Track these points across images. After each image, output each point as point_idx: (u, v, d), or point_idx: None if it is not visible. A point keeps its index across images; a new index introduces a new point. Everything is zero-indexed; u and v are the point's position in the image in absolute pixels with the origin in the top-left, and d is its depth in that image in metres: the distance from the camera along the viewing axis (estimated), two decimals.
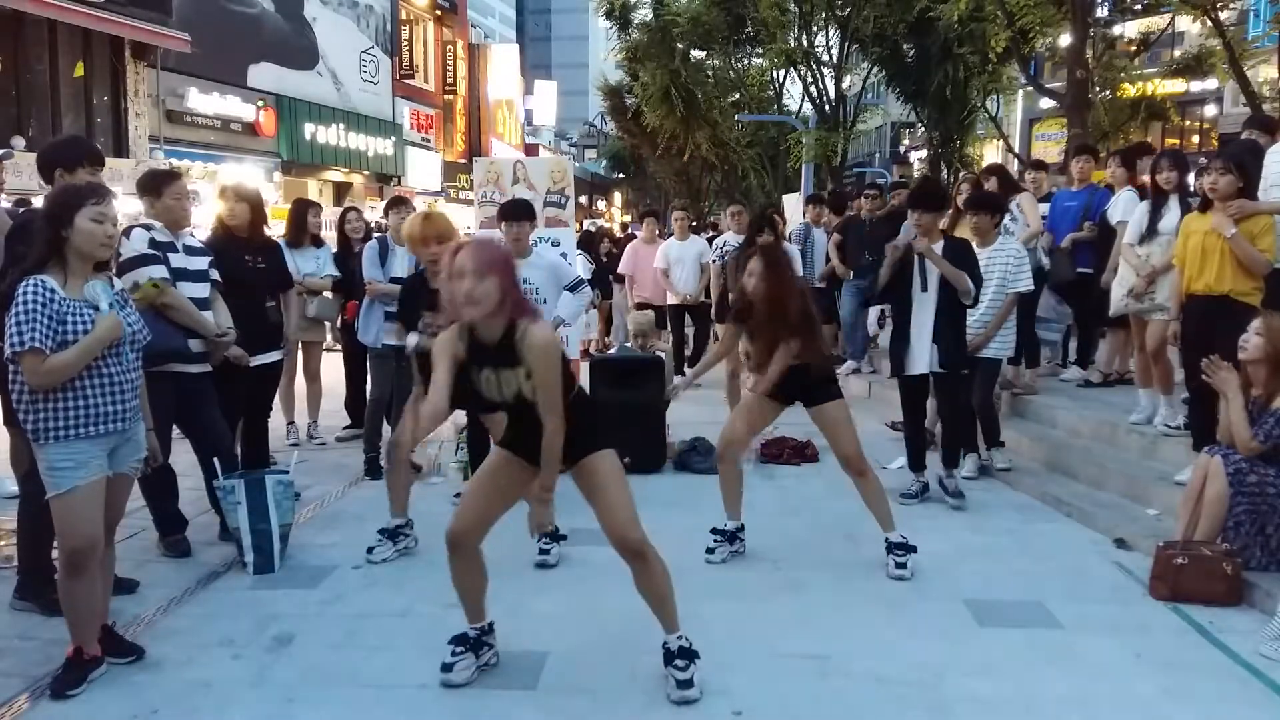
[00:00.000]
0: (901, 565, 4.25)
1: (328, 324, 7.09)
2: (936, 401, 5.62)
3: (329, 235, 7.64)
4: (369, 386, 6.26)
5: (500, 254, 2.96)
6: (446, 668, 3.23)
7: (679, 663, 3.14)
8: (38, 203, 5.94)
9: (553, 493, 3.10)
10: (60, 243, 3.08)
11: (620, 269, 10.23)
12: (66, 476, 3.06)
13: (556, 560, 4.37)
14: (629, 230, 17.45)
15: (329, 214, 13.78)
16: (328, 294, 6.77)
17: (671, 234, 9.61)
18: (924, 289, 5.12)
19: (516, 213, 5.15)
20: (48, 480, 3.09)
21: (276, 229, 7.15)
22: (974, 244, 5.62)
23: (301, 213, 6.75)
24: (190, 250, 4.46)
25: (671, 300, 9.20)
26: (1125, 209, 6.29)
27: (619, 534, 3.12)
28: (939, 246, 5.10)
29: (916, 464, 5.44)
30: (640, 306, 9.54)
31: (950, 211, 6.87)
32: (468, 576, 3.26)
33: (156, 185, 4.41)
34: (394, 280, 5.92)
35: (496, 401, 3.05)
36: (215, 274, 4.55)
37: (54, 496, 3.08)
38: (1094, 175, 7.32)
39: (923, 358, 5.17)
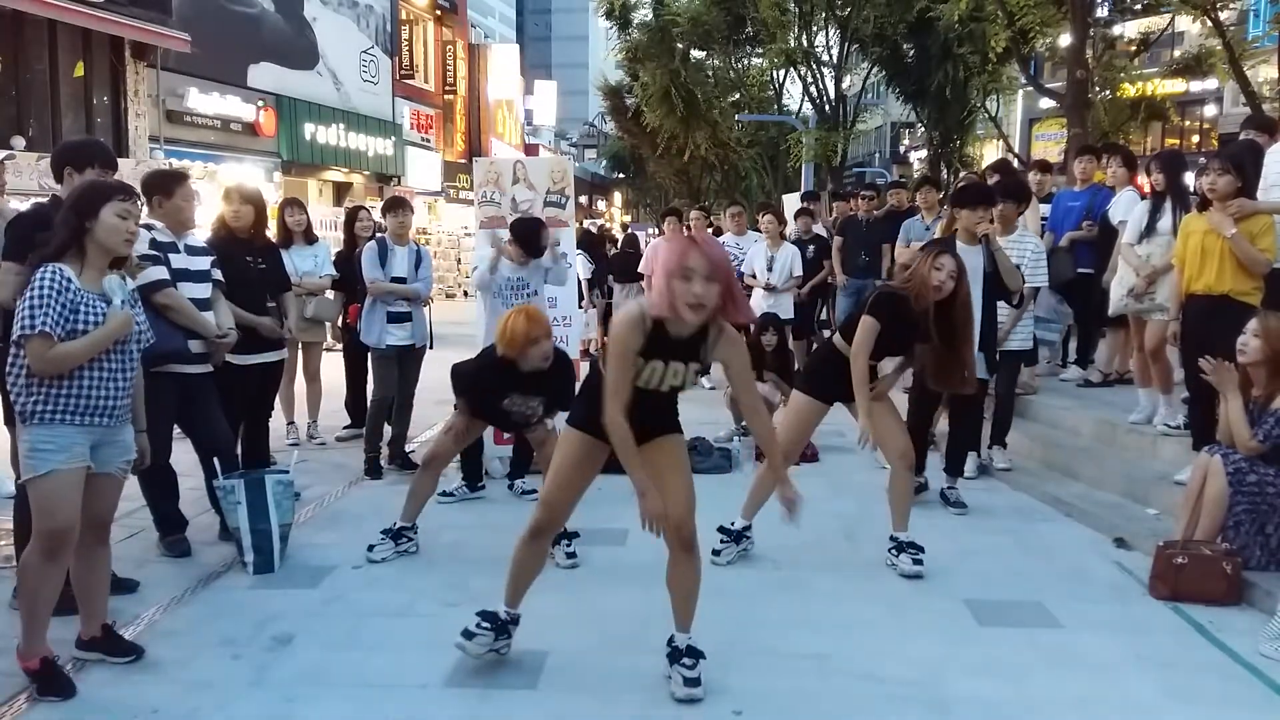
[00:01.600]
0: (919, 562, 4.23)
1: (327, 324, 7.08)
2: (951, 406, 5.58)
3: (334, 235, 7.60)
4: (370, 387, 6.26)
5: (725, 259, 2.96)
6: (467, 634, 3.25)
7: (687, 661, 3.15)
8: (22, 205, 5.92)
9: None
10: (82, 233, 3.12)
11: (641, 268, 10.31)
12: (46, 459, 3.05)
13: (578, 563, 4.37)
14: (629, 230, 17.42)
15: (328, 213, 13.83)
16: (328, 294, 6.76)
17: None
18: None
19: (533, 244, 5.56)
20: (26, 463, 3.09)
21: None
22: (996, 232, 5.64)
23: (279, 213, 6.70)
24: (192, 250, 4.45)
25: None
26: (1126, 209, 6.29)
27: (677, 521, 3.10)
28: (978, 249, 5.11)
29: (918, 466, 5.33)
30: None
31: (950, 210, 6.88)
32: (536, 563, 3.34)
33: (168, 185, 4.40)
34: (393, 280, 5.93)
35: (644, 389, 3.03)
36: (218, 274, 4.54)
37: (31, 479, 3.08)
38: (1096, 175, 7.32)
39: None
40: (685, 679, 3.12)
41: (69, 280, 3.04)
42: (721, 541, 4.44)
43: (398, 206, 6.21)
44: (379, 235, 6.40)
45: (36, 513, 3.11)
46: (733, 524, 4.48)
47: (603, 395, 2.99)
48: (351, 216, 7.34)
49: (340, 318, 6.99)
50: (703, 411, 7.30)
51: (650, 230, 19.01)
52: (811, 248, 9.06)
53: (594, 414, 3.04)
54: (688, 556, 3.15)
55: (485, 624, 3.29)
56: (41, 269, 3.04)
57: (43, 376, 3.04)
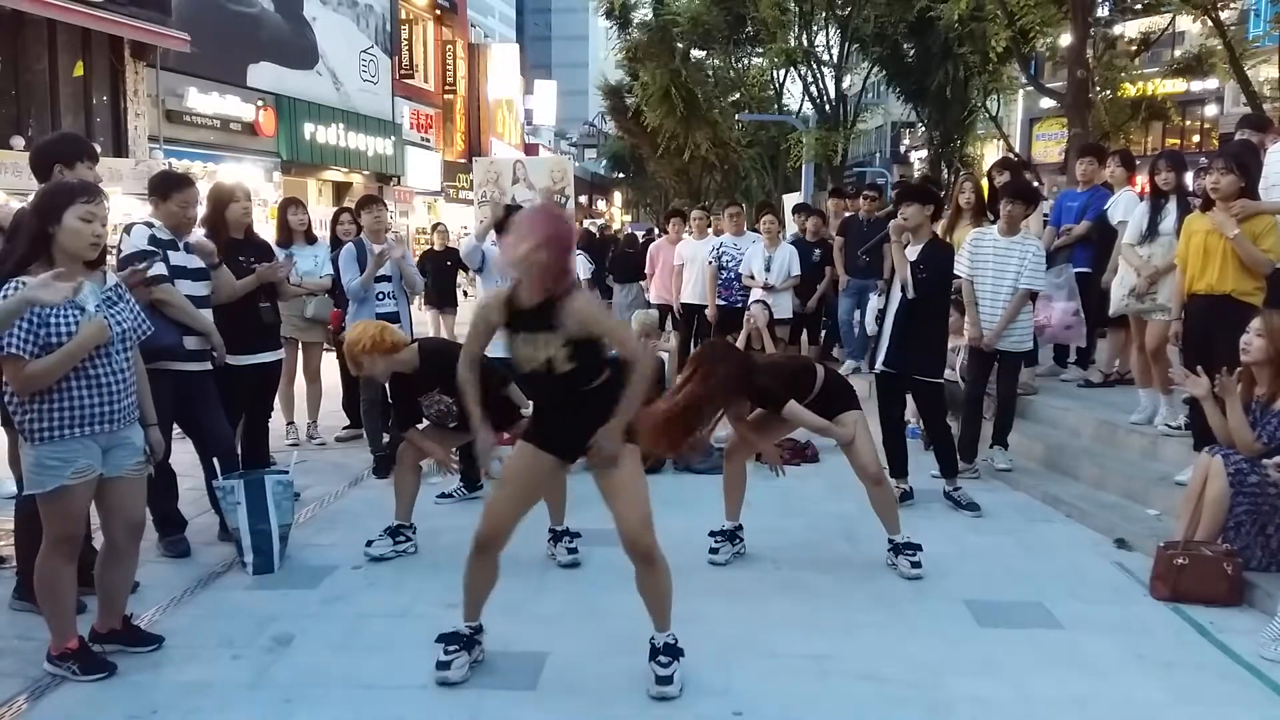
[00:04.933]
0: (917, 564, 4.24)
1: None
2: (918, 406, 5.64)
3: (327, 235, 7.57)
4: (361, 387, 6.20)
5: (563, 229, 3.05)
6: (442, 665, 3.23)
7: (661, 659, 3.17)
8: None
9: (618, 447, 3.10)
10: (47, 240, 3.04)
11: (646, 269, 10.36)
12: (55, 475, 3.05)
13: (579, 559, 4.38)
14: (628, 230, 17.42)
15: (327, 213, 13.78)
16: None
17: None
18: (899, 288, 5.21)
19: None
20: (34, 479, 3.08)
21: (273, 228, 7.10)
22: (1001, 230, 5.62)
23: (281, 211, 6.71)
24: (191, 249, 4.45)
25: (683, 299, 9.21)
26: (1125, 209, 6.29)
27: (632, 536, 3.14)
28: (919, 247, 5.15)
29: (896, 470, 5.34)
30: (660, 306, 9.58)
31: (950, 211, 6.87)
32: (484, 576, 3.29)
33: (165, 190, 4.42)
34: (380, 279, 5.93)
35: (531, 370, 3.10)
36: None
37: (41, 494, 3.08)
38: (1098, 176, 7.31)
39: (881, 354, 5.31)
40: (657, 676, 3.14)
41: None
42: (716, 542, 4.44)
43: (371, 203, 6.18)
44: (355, 237, 6.36)
45: (54, 523, 3.11)
46: (722, 527, 4.49)
47: (545, 410, 3.26)
48: (334, 220, 7.28)
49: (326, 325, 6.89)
50: None
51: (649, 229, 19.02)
52: (818, 251, 9.06)
53: (543, 427, 3.23)
54: (649, 568, 3.18)
55: (452, 647, 3.26)
56: (4, 285, 2.95)
57: (26, 395, 3.01)
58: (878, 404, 5.49)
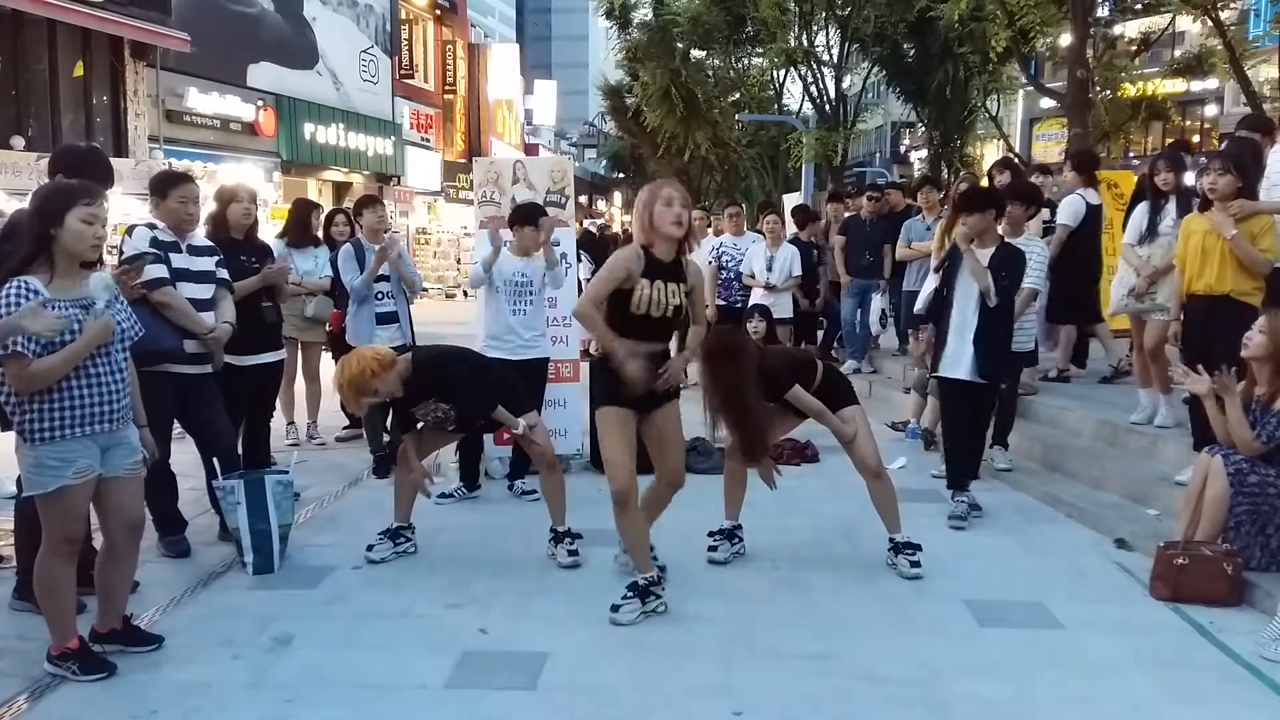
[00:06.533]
0: (916, 564, 4.23)
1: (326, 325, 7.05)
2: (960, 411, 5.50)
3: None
4: None
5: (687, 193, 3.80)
6: (615, 608, 3.69)
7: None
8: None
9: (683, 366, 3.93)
10: (48, 241, 3.05)
11: None
12: (56, 475, 3.05)
13: (579, 561, 4.38)
14: (627, 231, 17.40)
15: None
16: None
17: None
18: (965, 292, 4.92)
19: (529, 216, 5.50)
20: (34, 479, 3.08)
21: (274, 229, 7.12)
22: (1003, 231, 5.59)
23: (305, 213, 6.78)
24: (195, 250, 4.43)
25: None
26: (1066, 212, 6.78)
27: (672, 476, 3.95)
28: (988, 252, 4.91)
29: (957, 481, 5.13)
30: None
31: (949, 211, 6.88)
32: (634, 527, 3.79)
33: (163, 187, 4.42)
34: (380, 279, 5.93)
35: (657, 314, 3.67)
36: (223, 273, 4.53)
37: (42, 495, 3.08)
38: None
39: (960, 362, 4.93)
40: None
41: (36, 293, 2.98)
42: (715, 541, 4.44)
43: (372, 203, 6.19)
44: (353, 239, 6.36)
45: (54, 523, 3.12)
46: (721, 526, 4.49)
47: (610, 376, 3.70)
48: (328, 220, 7.28)
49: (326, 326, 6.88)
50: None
51: None
52: (817, 252, 9.07)
53: (612, 391, 3.72)
54: (670, 492, 3.98)
55: (629, 594, 3.74)
56: (6, 285, 2.97)
57: (28, 394, 3.01)
58: (949, 413, 5.21)
